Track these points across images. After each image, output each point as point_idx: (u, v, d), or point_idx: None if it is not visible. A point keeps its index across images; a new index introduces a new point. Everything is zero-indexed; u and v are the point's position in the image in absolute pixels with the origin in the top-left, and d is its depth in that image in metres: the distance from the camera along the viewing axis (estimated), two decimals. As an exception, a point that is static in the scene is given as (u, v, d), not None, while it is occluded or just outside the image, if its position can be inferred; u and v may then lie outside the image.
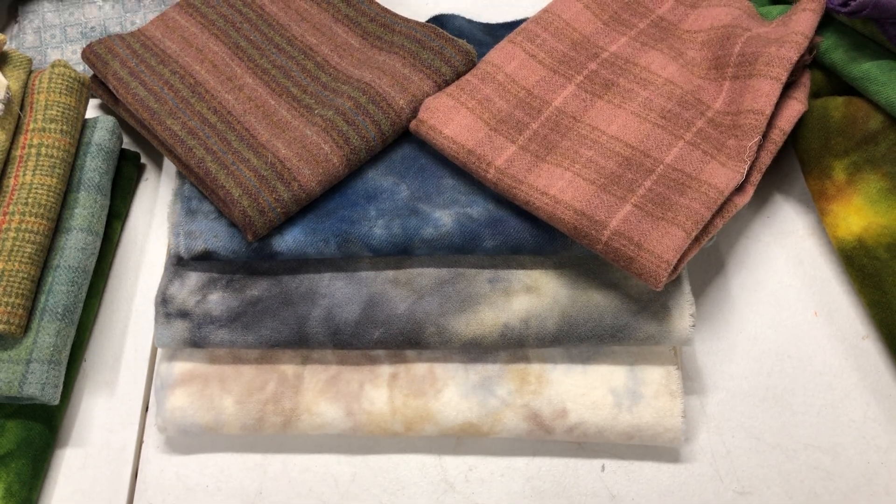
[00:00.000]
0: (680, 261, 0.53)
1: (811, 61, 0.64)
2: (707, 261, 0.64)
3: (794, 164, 0.66)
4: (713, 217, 0.54)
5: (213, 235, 0.58)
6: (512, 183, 0.56)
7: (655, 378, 0.57)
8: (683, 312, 0.56)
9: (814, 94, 0.64)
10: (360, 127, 0.60)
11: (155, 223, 0.70)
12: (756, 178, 0.57)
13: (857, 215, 0.60)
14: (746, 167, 0.55)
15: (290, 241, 0.57)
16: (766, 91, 0.57)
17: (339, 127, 0.60)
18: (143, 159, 0.73)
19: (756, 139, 0.56)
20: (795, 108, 0.60)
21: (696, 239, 0.54)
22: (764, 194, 0.66)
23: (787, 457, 0.57)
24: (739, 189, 0.56)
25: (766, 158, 0.58)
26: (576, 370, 0.58)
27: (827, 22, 0.64)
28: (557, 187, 0.55)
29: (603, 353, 0.58)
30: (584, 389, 0.57)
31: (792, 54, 0.58)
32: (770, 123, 0.58)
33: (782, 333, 0.62)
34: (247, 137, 0.61)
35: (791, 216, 0.66)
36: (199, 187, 0.61)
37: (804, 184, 0.65)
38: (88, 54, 0.66)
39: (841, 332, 0.61)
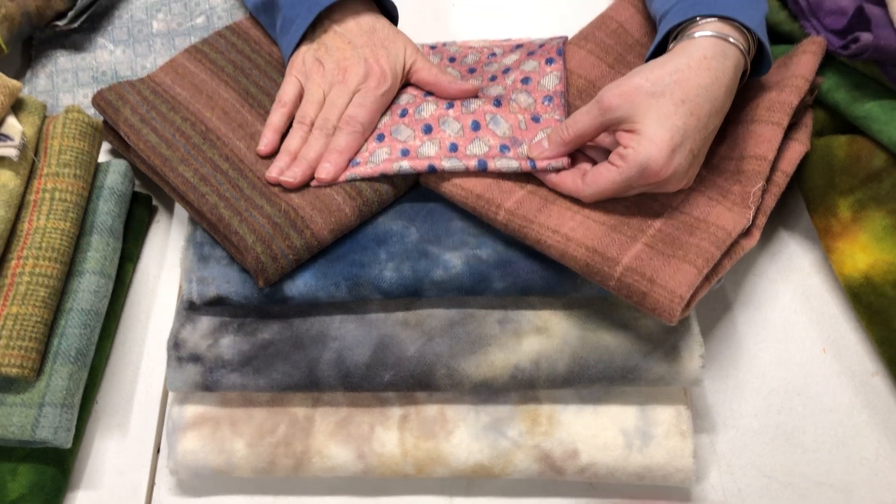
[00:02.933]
0: (692, 298, 0.53)
1: (812, 101, 0.64)
2: (714, 297, 0.65)
3: (799, 200, 0.67)
4: (721, 258, 0.55)
5: (225, 281, 0.59)
6: (522, 223, 0.57)
7: (666, 418, 0.57)
8: (693, 353, 0.56)
9: (817, 133, 0.65)
10: (373, 180, 0.61)
11: (166, 265, 0.70)
12: (762, 221, 0.57)
13: (862, 252, 0.60)
14: (752, 213, 0.56)
15: (301, 285, 0.58)
16: (767, 137, 0.58)
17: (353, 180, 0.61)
18: (155, 202, 0.73)
19: (760, 184, 0.57)
20: (797, 149, 0.61)
21: (706, 278, 0.54)
22: (769, 231, 0.67)
23: (800, 495, 0.57)
24: (746, 233, 0.56)
25: (771, 202, 0.58)
26: (586, 411, 0.58)
27: (828, 61, 0.65)
28: (568, 226, 0.56)
29: (613, 393, 0.58)
30: (594, 430, 0.57)
31: (793, 99, 0.59)
32: (773, 167, 0.59)
33: (791, 370, 0.62)
34: (259, 185, 0.61)
35: (797, 253, 0.66)
36: (211, 233, 0.61)
37: (809, 220, 0.65)
38: (99, 101, 0.67)
39: (850, 369, 0.61)
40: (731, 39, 0.56)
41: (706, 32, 0.56)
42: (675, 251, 0.54)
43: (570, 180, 0.58)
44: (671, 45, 0.58)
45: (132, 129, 0.65)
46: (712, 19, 0.57)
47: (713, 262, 0.53)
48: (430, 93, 0.65)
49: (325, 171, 0.61)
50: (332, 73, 0.64)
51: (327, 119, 0.63)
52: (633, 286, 0.52)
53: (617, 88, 0.55)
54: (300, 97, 0.66)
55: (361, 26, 0.66)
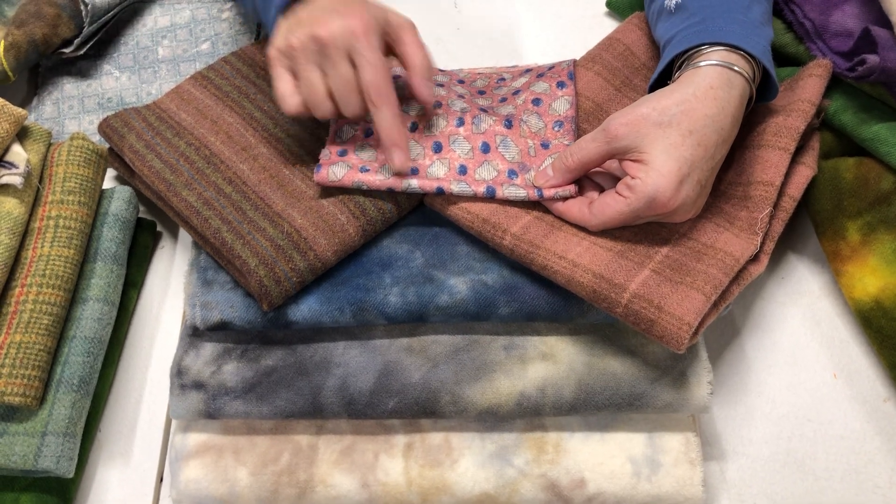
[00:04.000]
0: (700, 325, 0.53)
1: (819, 124, 0.64)
2: (722, 323, 0.64)
3: (807, 224, 0.66)
4: (730, 284, 0.54)
5: (229, 306, 0.58)
6: (529, 248, 0.56)
7: (674, 445, 0.56)
8: (701, 380, 0.55)
9: (824, 155, 0.64)
10: (376, 197, 0.61)
11: (171, 291, 0.70)
12: (770, 246, 0.57)
13: (872, 276, 0.59)
14: (760, 239, 0.56)
15: (305, 310, 0.58)
16: (774, 162, 0.58)
17: (356, 197, 0.60)
18: (159, 227, 0.73)
19: (768, 210, 0.56)
20: (804, 173, 0.60)
21: (715, 305, 0.54)
22: (778, 255, 0.66)
23: (812, 525, 0.56)
24: (754, 259, 0.56)
25: (779, 227, 0.58)
26: (594, 438, 0.57)
27: (835, 83, 0.64)
28: (575, 252, 0.55)
29: (621, 420, 0.58)
30: (602, 458, 0.56)
31: (799, 123, 0.59)
32: (780, 192, 0.58)
33: (801, 396, 0.61)
34: (262, 207, 0.61)
35: (806, 276, 0.65)
36: (215, 258, 0.61)
37: (818, 243, 0.65)
38: (105, 128, 0.68)
39: (861, 395, 0.60)
40: (737, 68, 0.55)
41: (711, 61, 0.56)
42: (683, 277, 0.53)
43: (576, 209, 0.58)
44: (676, 74, 0.58)
45: (137, 155, 0.65)
46: (718, 47, 0.56)
47: (721, 289, 0.53)
48: (438, 103, 0.64)
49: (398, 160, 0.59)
50: (309, 46, 0.56)
51: (348, 95, 0.57)
52: (640, 313, 0.52)
53: (623, 117, 0.55)
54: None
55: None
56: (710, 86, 0.55)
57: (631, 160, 0.54)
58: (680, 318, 0.51)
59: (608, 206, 0.55)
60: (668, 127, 0.53)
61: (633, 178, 0.54)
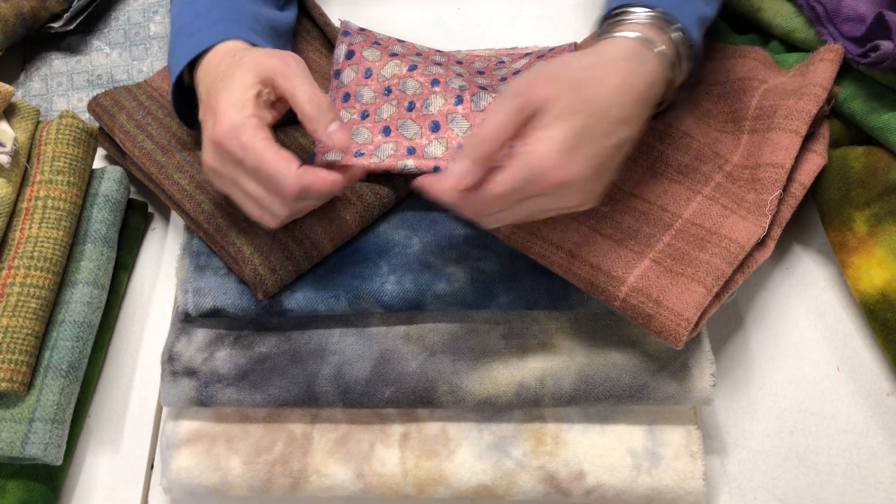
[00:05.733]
0: (700, 318, 0.51)
1: (829, 111, 0.62)
2: (725, 314, 0.63)
3: (814, 214, 0.65)
4: (734, 273, 0.53)
5: (222, 293, 0.57)
6: (525, 237, 0.55)
7: (675, 438, 0.55)
8: (704, 371, 0.54)
9: (833, 144, 0.63)
10: (373, 182, 0.59)
11: (162, 274, 0.68)
12: (776, 232, 0.56)
13: (879, 268, 0.58)
14: (768, 221, 0.54)
15: (300, 298, 0.56)
16: (785, 145, 0.56)
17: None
18: (151, 209, 0.72)
19: (777, 193, 0.55)
20: (815, 161, 0.59)
21: (717, 295, 0.52)
22: (783, 245, 0.65)
23: (813, 520, 0.56)
24: (760, 244, 0.55)
25: (787, 213, 0.57)
26: (593, 430, 0.56)
27: (845, 70, 0.63)
28: (573, 241, 0.54)
29: (621, 412, 0.57)
30: (601, 451, 0.55)
31: (811, 107, 0.57)
32: (790, 177, 0.57)
33: (804, 389, 0.60)
34: None
35: (811, 268, 0.64)
36: (208, 243, 0.60)
37: (824, 234, 0.63)
38: (95, 107, 0.66)
39: (865, 389, 0.59)
40: (656, 48, 0.50)
41: (628, 33, 0.50)
42: (685, 268, 0.52)
43: (449, 192, 0.47)
44: (599, 38, 0.53)
45: (128, 136, 0.63)
46: (643, 15, 0.51)
47: (724, 279, 0.52)
48: (436, 81, 0.61)
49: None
50: (210, 171, 0.53)
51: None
52: (638, 307, 0.51)
53: (526, 78, 0.47)
54: None
55: (205, 83, 0.54)
56: (620, 56, 0.49)
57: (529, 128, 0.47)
58: (678, 313, 0.50)
59: (485, 185, 0.46)
60: (570, 91, 0.46)
61: (516, 146, 0.46)
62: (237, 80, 0.51)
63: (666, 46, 0.51)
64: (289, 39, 0.67)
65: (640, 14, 0.52)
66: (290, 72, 0.51)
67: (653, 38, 0.51)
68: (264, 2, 0.64)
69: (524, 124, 0.46)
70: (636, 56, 0.50)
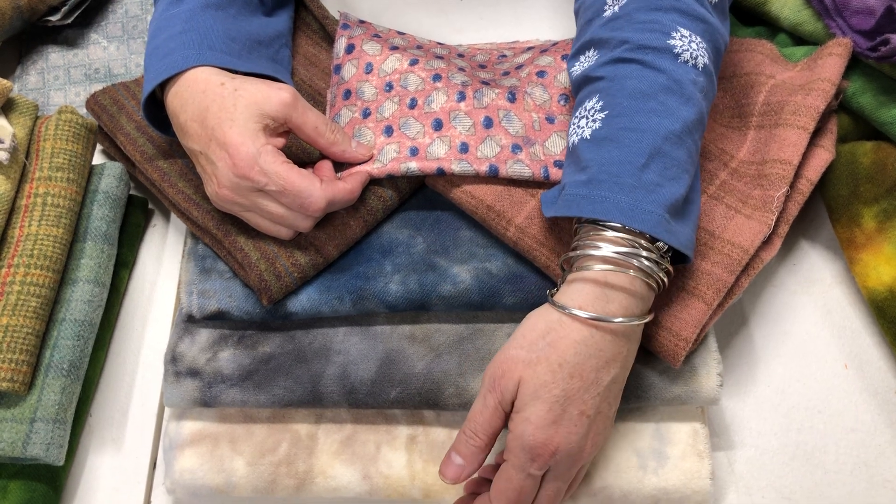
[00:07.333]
0: (702, 330, 0.51)
1: (837, 106, 0.62)
2: (731, 311, 0.62)
3: (821, 210, 0.64)
4: (739, 276, 0.52)
5: (227, 295, 0.57)
6: (532, 244, 0.55)
7: (682, 437, 0.55)
8: (711, 371, 0.54)
9: (841, 139, 0.62)
10: (376, 184, 0.59)
11: (163, 271, 0.68)
12: (783, 230, 0.55)
13: (887, 265, 0.58)
14: (774, 218, 0.54)
15: (304, 300, 0.56)
16: (793, 141, 0.56)
17: None
18: (151, 205, 0.71)
19: (784, 189, 0.54)
20: (823, 156, 0.58)
21: (719, 304, 0.52)
22: (790, 242, 0.65)
23: (820, 518, 0.55)
24: (766, 242, 0.54)
25: (794, 210, 0.56)
26: (600, 430, 0.56)
27: (854, 64, 0.62)
28: None
29: (627, 411, 0.56)
30: (607, 450, 0.55)
31: (819, 103, 0.56)
32: (797, 173, 0.57)
33: (811, 387, 0.60)
34: None
35: (818, 264, 0.64)
36: (213, 248, 0.59)
37: (831, 230, 0.63)
38: (94, 106, 0.65)
39: (873, 386, 0.59)
40: (613, 320, 0.46)
41: (583, 273, 0.47)
42: (685, 282, 0.52)
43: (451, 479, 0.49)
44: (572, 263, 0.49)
45: (129, 139, 0.62)
46: (600, 234, 0.47)
47: (725, 290, 0.51)
48: (438, 76, 0.60)
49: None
50: (226, 199, 0.55)
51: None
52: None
53: (497, 367, 0.48)
54: None
55: (188, 111, 0.55)
56: (578, 305, 0.47)
57: (515, 413, 0.47)
58: (677, 333, 0.50)
59: (499, 478, 0.48)
60: (538, 364, 0.46)
61: (509, 433, 0.47)
62: (240, 113, 0.53)
63: (634, 287, 0.47)
64: (283, 44, 0.66)
65: (605, 250, 0.47)
66: (300, 104, 0.55)
67: (616, 262, 0.47)
68: (248, 13, 0.62)
69: (510, 410, 0.48)
70: (600, 296, 0.47)
